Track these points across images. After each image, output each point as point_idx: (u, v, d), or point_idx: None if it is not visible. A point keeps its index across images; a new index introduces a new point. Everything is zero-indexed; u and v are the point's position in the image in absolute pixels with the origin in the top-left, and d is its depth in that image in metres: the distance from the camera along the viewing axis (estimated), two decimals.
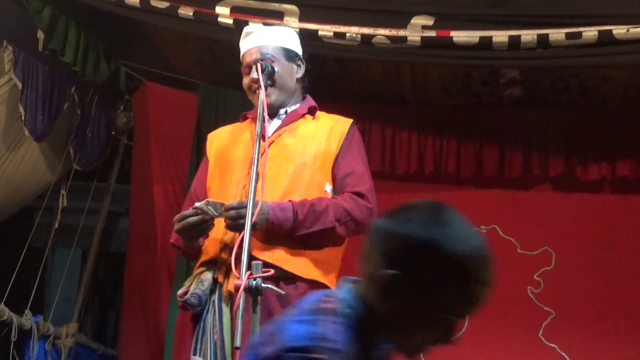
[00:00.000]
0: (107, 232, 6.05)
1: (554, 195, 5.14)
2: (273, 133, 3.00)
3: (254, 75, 3.00)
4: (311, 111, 3.12)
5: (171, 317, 4.93)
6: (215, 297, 2.79)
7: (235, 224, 2.69)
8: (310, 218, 2.83)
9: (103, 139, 5.41)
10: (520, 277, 5.04)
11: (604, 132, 4.99)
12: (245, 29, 3.18)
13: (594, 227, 5.06)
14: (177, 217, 2.85)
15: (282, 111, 3.08)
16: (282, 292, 2.61)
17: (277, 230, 2.79)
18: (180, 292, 2.83)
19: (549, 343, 4.90)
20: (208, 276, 2.82)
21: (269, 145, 2.93)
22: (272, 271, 2.32)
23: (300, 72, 3.14)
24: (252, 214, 2.51)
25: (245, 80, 3.08)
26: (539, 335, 4.92)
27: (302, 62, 3.16)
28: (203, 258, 2.89)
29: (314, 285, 2.83)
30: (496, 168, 5.11)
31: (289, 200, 2.86)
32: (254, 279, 2.20)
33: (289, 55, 3.11)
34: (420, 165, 5.18)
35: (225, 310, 2.75)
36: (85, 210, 5.54)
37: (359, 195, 2.94)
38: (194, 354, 2.75)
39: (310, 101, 3.16)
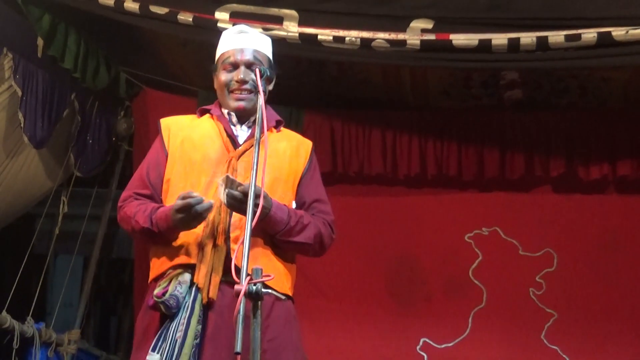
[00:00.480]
0: (109, 239, 6.04)
1: (555, 197, 5.16)
2: (245, 142, 2.95)
3: (242, 76, 2.93)
4: (278, 124, 3.10)
5: None
6: (190, 299, 2.74)
7: (240, 205, 2.64)
8: (297, 227, 2.85)
9: (104, 145, 5.42)
10: (523, 279, 5.05)
11: (604, 133, 5.00)
12: (238, 27, 3.13)
13: (596, 228, 5.06)
14: (181, 204, 2.69)
15: (251, 118, 3.00)
16: (282, 297, 2.59)
17: (269, 227, 2.78)
18: (157, 292, 2.73)
19: (550, 345, 4.90)
20: (186, 278, 2.75)
21: (242, 153, 2.90)
22: (272, 276, 2.29)
23: (272, 85, 3.08)
24: (254, 213, 2.46)
25: (226, 77, 2.99)
26: (541, 337, 4.92)
27: (274, 75, 3.12)
28: (180, 260, 2.81)
29: (279, 297, 2.84)
30: (498, 170, 5.12)
31: (284, 204, 2.86)
32: (254, 284, 2.18)
33: (271, 66, 3.07)
34: (422, 169, 5.19)
35: (197, 311, 2.71)
36: (87, 216, 5.54)
37: (331, 225, 3.00)
38: (153, 351, 2.70)
39: (274, 114, 3.11)
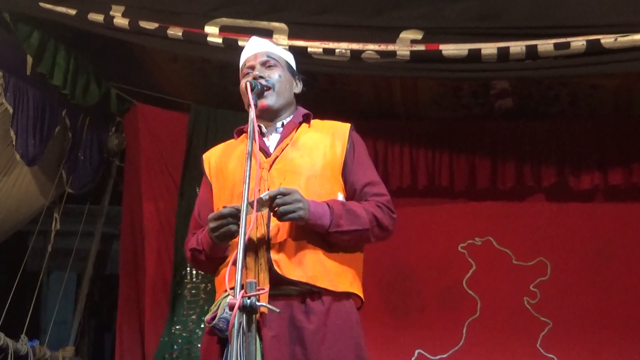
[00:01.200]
0: (102, 255, 6.02)
1: (547, 206, 5.16)
2: (275, 148, 2.96)
3: (258, 72, 2.96)
4: (306, 119, 3.10)
5: (163, 338, 4.93)
6: (243, 320, 2.73)
7: (281, 207, 2.68)
8: (348, 216, 2.81)
9: (95, 162, 5.40)
10: (517, 288, 5.05)
11: (595, 141, 5.01)
12: (253, 39, 3.18)
13: (588, 236, 5.07)
14: (212, 215, 2.75)
15: (278, 124, 3.02)
16: (277, 310, 2.59)
17: (315, 226, 2.76)
18: (207, 317, 2.75)
19: (547, 353, 4.90)
20: None
21: (274, 161, 2.90)
22: (266, 289, 2.29)
23: (297, 88, 3.13)
24: (245, 232, 2.47)
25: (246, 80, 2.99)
26: (537, 345, 4.92)
27: (300, 81, 3.15)
28: (230, 284, 2.70)
29: (339, 296, 2.82)
30: (489, 180, 5.12)
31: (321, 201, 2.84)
32: (248, 298, 2.18)
33: (290, 70, 3.11)
34: (414, 180, 5.19)
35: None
36: (79, 233, 5.52)
37: (385, 205, 2.97)
38: None
39: (302, 110, 3.13)
